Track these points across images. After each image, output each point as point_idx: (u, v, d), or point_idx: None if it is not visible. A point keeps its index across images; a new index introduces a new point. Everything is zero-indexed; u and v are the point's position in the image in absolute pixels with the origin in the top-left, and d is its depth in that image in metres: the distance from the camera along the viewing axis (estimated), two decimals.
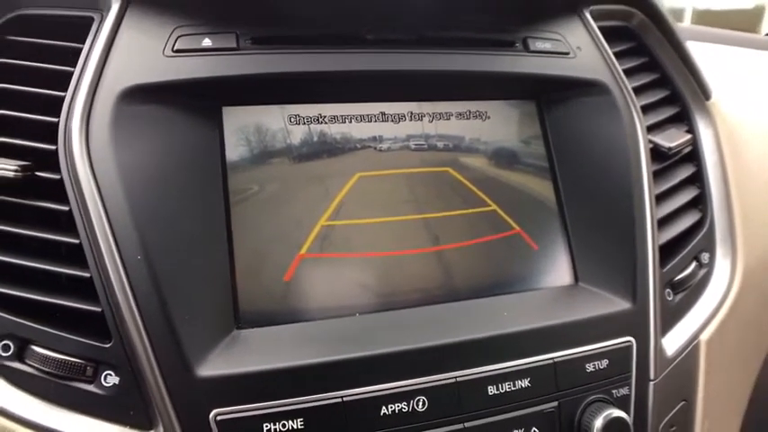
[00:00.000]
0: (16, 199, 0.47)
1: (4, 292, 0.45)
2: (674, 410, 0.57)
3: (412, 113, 0.58)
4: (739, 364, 0.66)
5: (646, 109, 0.67)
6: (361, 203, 0.54)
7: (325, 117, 0.55)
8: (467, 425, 0.47)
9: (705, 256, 0.66)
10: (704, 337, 0.61)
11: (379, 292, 0.52)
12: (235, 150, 0.51)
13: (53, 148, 0.47)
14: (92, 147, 0.46)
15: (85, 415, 0.44)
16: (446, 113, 0.59)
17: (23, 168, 0.47)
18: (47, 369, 0.44)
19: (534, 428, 0.49)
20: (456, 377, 0.47)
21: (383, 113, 0.57)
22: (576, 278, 0.58)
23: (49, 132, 0.48)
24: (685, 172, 0.68)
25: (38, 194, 0.47)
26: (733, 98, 0.80)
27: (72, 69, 0.49)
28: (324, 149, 0.54)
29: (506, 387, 0.48)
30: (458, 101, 0.59)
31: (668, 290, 0.61)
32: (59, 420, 0.43)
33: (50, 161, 0.47)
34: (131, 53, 0.49)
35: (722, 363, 0.62)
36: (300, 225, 0.52)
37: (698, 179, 0.69)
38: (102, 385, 0.44)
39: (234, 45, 0.51)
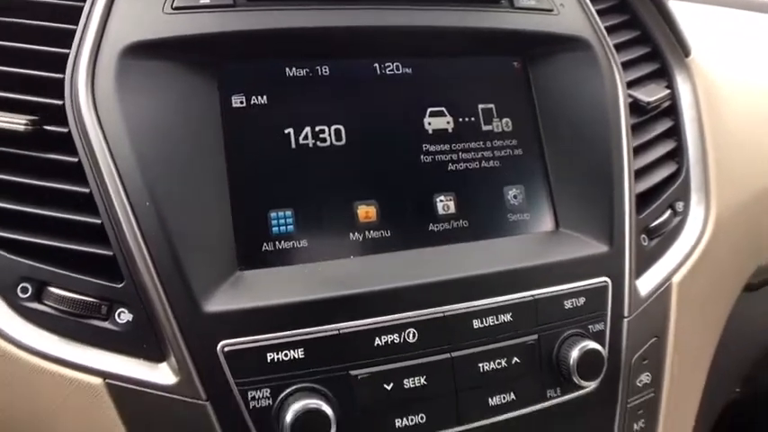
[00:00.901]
0: (28, 152, 0.49)
1: (20, 239, 0.47)
2: (647, 345, 0.61)
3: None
4: (710, 305, 0.71)
5: (627, 65, 0.70)
6: None
7: (319, 70, 0.57)
8: (453, 354, 0.51)
9: (680, 205, 0.69)
10: (676, 279, 0.64)
11: (373, 235, 0.55)
12: (233, 103, 0.53)
13: (60, 102, 0.50)
14: (98, 100, 0.48)
15: (102, 349, 0.47)
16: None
17: (32, 123, 0.49)
18: (64, 308, 0.47)
19: (515, 358, 0.53)
20: (444, 312, 0.51)
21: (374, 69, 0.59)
22: (557, 224, 0.62)
23: (56, 88, 0.50)
24: (663, 126, 0.71)
25: (47, 147, 0.50)
26: (714, 56, 0.82)
27: (75, 27, 0.51)
28: (320, 103, 0.56)
29: (490, 321, 0.52)
30: (445, 57, 0.62)
31: (644, 235, 0.64)
32: (78, 354, 0.46)
33: (58, 116, 0.50)
34: (132, 11, 0.51)
35: (693, 303, 0.66)
36: None
37: (675, 132, 0.72)
38: (117, 322, 0.47)
39: (231, 2, 0.53)
